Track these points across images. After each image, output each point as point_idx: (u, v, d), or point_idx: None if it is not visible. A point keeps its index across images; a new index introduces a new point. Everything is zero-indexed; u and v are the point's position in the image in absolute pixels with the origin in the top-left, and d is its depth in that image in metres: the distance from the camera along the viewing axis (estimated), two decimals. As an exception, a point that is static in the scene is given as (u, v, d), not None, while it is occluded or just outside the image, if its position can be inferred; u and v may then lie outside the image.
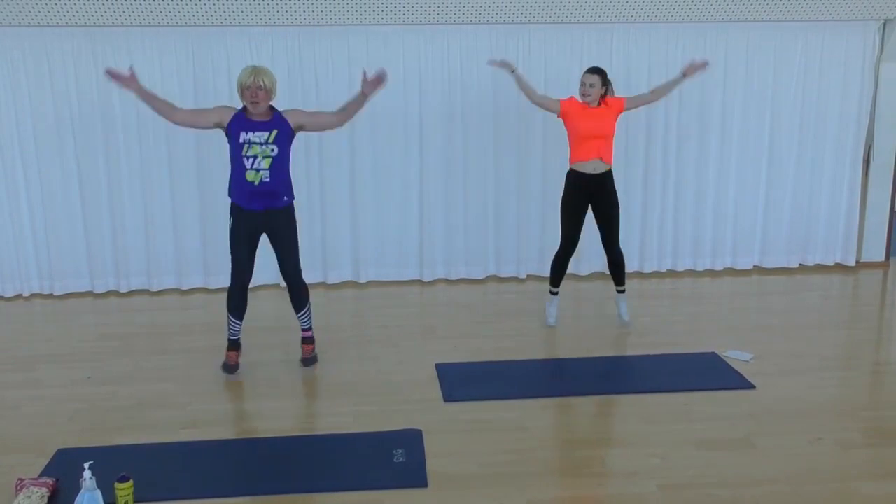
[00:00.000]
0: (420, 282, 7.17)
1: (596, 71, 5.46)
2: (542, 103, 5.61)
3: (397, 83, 6.78)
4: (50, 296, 6.89)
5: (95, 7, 6.15)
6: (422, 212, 7.06)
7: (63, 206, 6.76)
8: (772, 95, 7.11)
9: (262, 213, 4.80)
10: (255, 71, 4.60)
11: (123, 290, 6.93)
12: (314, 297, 6.71)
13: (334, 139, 6.80)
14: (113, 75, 4.73)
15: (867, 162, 7.35)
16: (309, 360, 5.18)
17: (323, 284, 7.09)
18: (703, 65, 5.68)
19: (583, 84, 5.44)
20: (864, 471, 3.83)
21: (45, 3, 6.09)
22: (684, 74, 5.69)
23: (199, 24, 6.34)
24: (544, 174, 6.92)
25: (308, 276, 6.88)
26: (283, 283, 6.65)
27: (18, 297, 6.87)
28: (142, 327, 6.09)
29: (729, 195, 7.29)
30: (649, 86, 6.92)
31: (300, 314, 5.15)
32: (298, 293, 5.08)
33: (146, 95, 4.76)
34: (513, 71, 5.64)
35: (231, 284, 4.97)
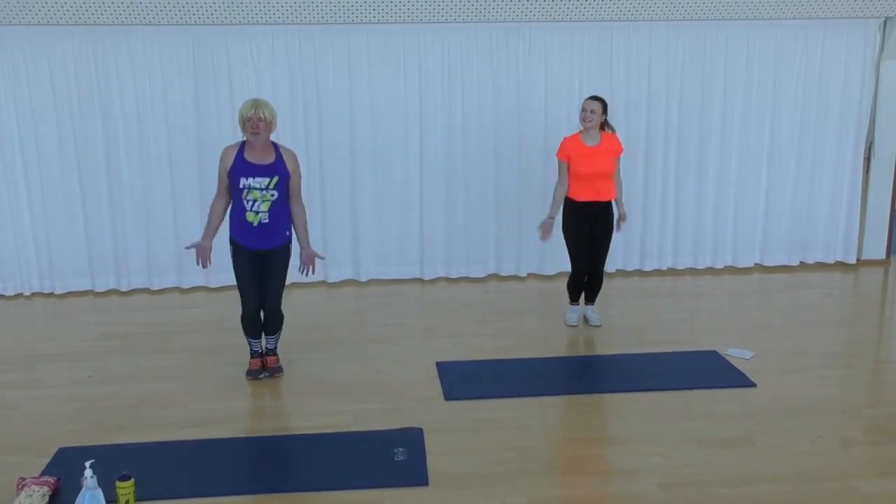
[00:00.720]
0: (421, 280, 7.17)
1: (597, 98, 5.52)
2: (566, 184, 5.57)
3: (398, 81, 6.79)
4: (51, 295, 6.89)
5: (96, 6, 6.15)
6: (422, 210, 7.06)
7: (64, 205, 6.76)
8: (772, 93, 7.10)
9: (263, 251, 4.83)
10: (256, 103, 4.64)
11: (124, 288, 6.94)
12: (315, 295, 6.78)
13: (335, 138, 6.81)
14: (204, 260, 4.85)
15: (868, 160, 7.35)
16: (275, 370, 5.15)
17: (324, 283, 7.09)
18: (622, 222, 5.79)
19: (584, 110, 5.47)
20: (864, 468, 3.83)
21: (46, 1, 6.09)
22: (618, 218, 5.76)
23: (199, 22, 6.34)
24: (545, 173, 6.90)
25: (309, 275, 6.93)
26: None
27: (19, 295, 6.87)
28: (142, 326, 6.10)
29: (729, 193, 7.29)
30: (648, 85, 6.96)
31: (271, 336, 5.15)
32: (274, 321, 5.08)
33: (212, 231, 4.87)
34: (553, 218, 5.65)
35: (242, 314, 4.99)
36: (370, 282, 7.13)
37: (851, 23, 6.96)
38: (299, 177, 4.82)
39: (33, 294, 6.90)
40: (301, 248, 4.88)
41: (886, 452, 3.99)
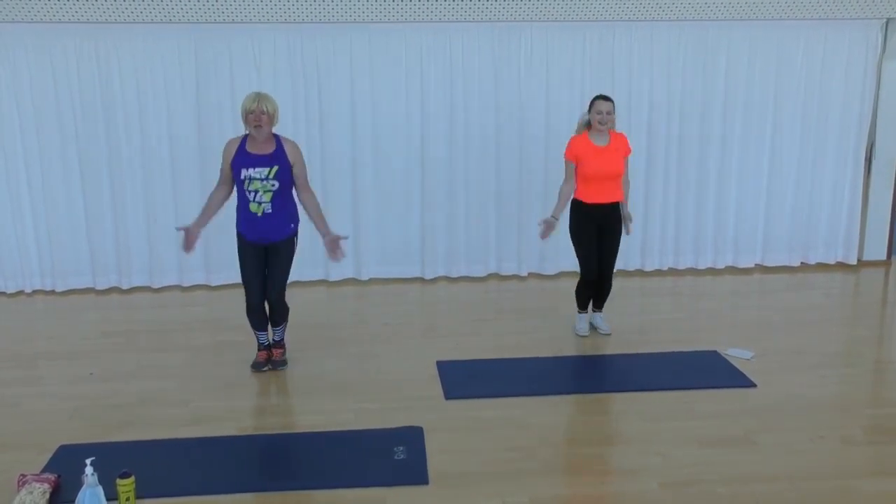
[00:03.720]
0: (421, 279, 7.17)
1: (608, 98, 5.35)
2: (572, 185, 5.42)
3: (399, 80, 6.79)
4: (52, 292, 6.89)
5: (98, 4, 6.16)
6: (423, 209, 7.06)
7: (65, 203, 6.77)
8: (774, 94, 7.10)
9: (266, 244, 4.86)
10: (259, 97, 4.67)
11: (125, 286, 6.94)
12: (316, 294, 6.78)
13: (335, 137, 6.81)
14: (188, 246, 4.84)
15: (869, 160, 7.35)
16: (279, 363, 5.19)
17: (324, 282, 7.09)
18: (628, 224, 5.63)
19: (599, 112, 5.28)
20: (865, 468, 3.84)
21: (48, 0, 6.10)
22: (623, 217, 5.59)
23: (201, 21, 6.34)
24: (546, 172, 6.91)
25: (309, 274, 6.96)
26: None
27: (20, 293, 6.88)
28: (143, 324, 6.10)
29: (730, 193, 7.29)
30: (650, 85, 6.96)
31: (277, 328, 5.19)
32: (279, 312, 5.10)
33: (205, 219, 4.90)
34: (557, 219, 5.44)
35: (247, 307, 5.03)
36: (371, 281, 7.13)
37: (853, 24, 6.96)
38: (303, 166, 4.84)
39: (34, 292, 6.91)
40: (322, 235, 4.89)
41: (886, 452, 3.99)
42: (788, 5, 6.69)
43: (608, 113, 5.29)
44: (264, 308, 5.03)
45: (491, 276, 7.25)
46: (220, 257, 6.75)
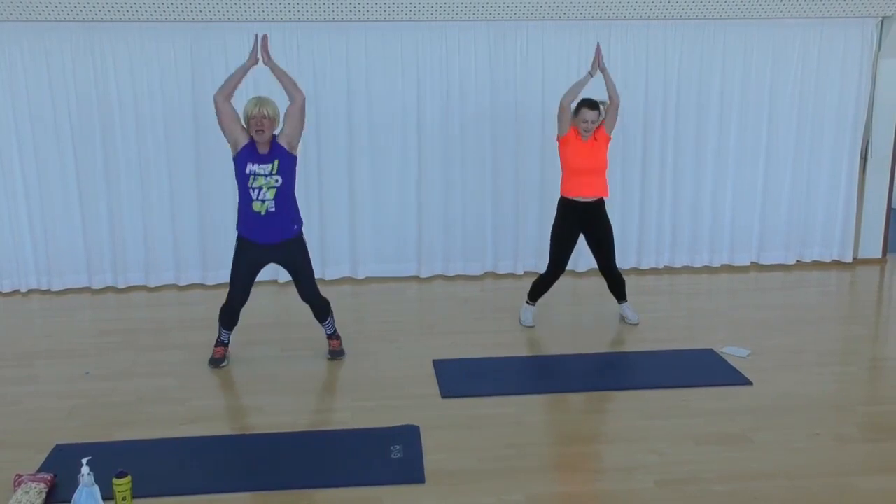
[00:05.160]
0: (418, 278, 7.17)
1: (595, 107, 5.40)
2: (566, 110, 5.45)
3: (395, 79, 6.79)
4: (48, 291, 6.88)
5: (93, 2, 6.14)
6: (420, 208, 7.06)
7: (61, 202, 6.75)
8: (769, 92, 7.11)
9: (275, 246, 4.87)
10: (260, 101, 4.70)
11: (121, 285, 6.93)
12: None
13: (332, 136, 6.81)
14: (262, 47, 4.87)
15: (864, 158, 7.36)
16: (337, 353, 5.26)
17: (321, 280, 7.03)
18: (597, 52, 5.58)
19: (584, 121, 5.37)
20: (861, 466, 3.85)
21: (43, -2, 6.11)
22: (590, 72, 5.58)
23: (197, 19, 6.34)
24: (542, 170, 6.92)
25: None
26: (282, 279, 6.73)
27: (16, 292, 6.86)
28: (140, 323, 6.09)
29: (726, 191, 7.30)
30: (646, 84, 6.95)
31: (324, 323, 5.25)
32: (321, 308, 5.17)
33: (273, 68, 4.90)
34: (603, 69, 5.50)
35: (225, 304, 5.06)
36: (367, 279, 7.13)
37: (849, 22, 6.97)
38: (284, 119, 4.83)
39: (30, 291, 6.89)
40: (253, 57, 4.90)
41: (882, 450, 4.00)
42: (784, 4, 6.69)
43: (593, 122, 5.38)
44: (239, 311, 5.06)
45: (487, 274, 7.25)
46: (217, 256, 6.74)
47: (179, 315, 6.31)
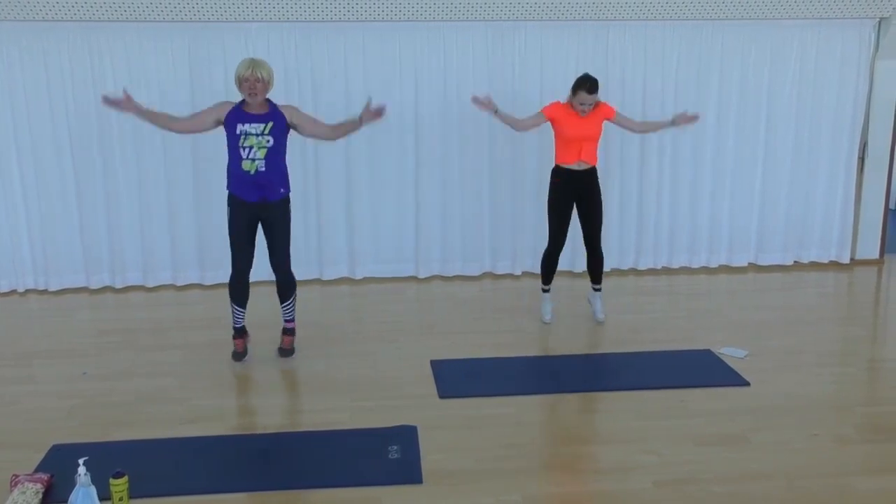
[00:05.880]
0: (416, 278, 7.17)
1: (594, 89, 5.42)
2: (528, 126, 5.68)
3: (393, 79, 6.79)
4: (45, 291, 6.87)
5: (91, 2, 6.14)
6: (417, 208, 7.06)
7: (58, 202, 6.74)
8: (767, 93, 7.11)
9: (258, 204, 4.89)
10: (253, 63, 4.72)
11: (119, 285, 6.92)
12: (310, 293, 6.76)
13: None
14: (110, 102, 4.83)
15: (862, 159, 7.37)
16: (287, 352, 5.24)
17: (318, 281, 7.08)
18: (694, 118, 5.77)
19: (582, 104, 5.44)
20: (859, 466, 3.85)
21: (41, -2, 6.10)
22: (673, 122, 5.78)
23: (195, 19, 6.33)
24: (539, 170, 6.89)
25: (303, 273, 6.94)
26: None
27: (13, 292, 6.85)
28: (138, 323, 6.08)
29: (724, 192, 7.30)
30: (644, 84, 6.95)
31: (284, 304, 5.23)
32: (285, 283, 5.17)
33: (146, 114, 4.91)
34: (496, 112, 5.63)
35: (232, 273, 5.07)
36: (365, 279, 7.13)
37: (846, 23, 6.97)
38: (303, 113, 4.96)
39: (27, 291, 6.88)
40: (360, 119, 4.92)
41: (881, 450, 4.00)
42: (782, 5, 6.70)
43: (590, 105, 5.45)
44: (248, 279, 5.07)
45: (485, 274, 7.25)
46: (215, 256, 6.73)
47: (177, 315, 6.30)
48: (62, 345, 5.63)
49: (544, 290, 5.96)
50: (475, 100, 5.59)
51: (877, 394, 4.83)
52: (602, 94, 5.52)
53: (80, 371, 5.10)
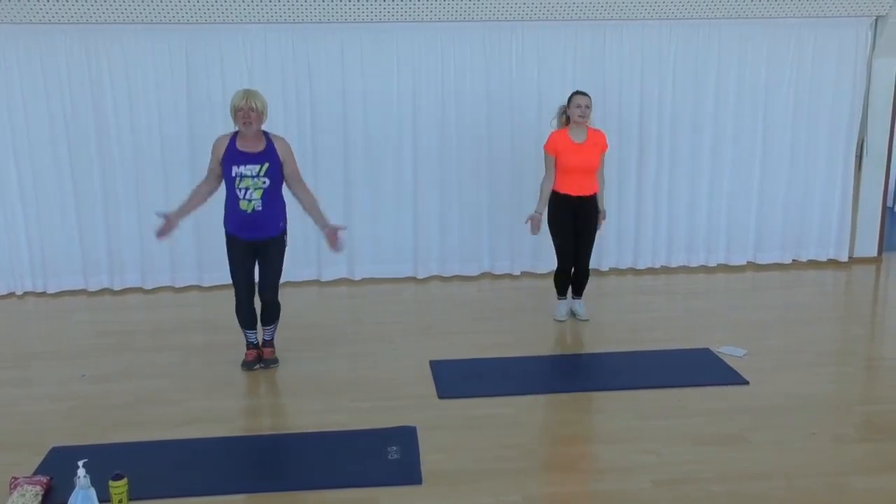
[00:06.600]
0: (414, 279, 7.17)
1: (585, 93, 5.61)
2: (552, 176, 5.66)
3: (391, 80, 6.79)
4: (43, 294, 6.86)
5: (88, 4, 6.13)
6: (416, 209, 7.05)
7: (56, 204, 6.73)
8: (765, 92, 7.12)
9: (257, 240, 4.88)
10: (248, 94, 4.70)
11: (117, 287, 6.92)
12: (308, 294, 6.77)
13: (327, 137, 6.80)
14: (164, 235, 4.93)
15: (860, 157, 7.37)
16: (270, 362, 5.21)
17: (317, 282, 7.08)
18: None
19: (578, 106, 5.54)
20: (858, 465, 3.85)
21: (38, 0, 6.08)
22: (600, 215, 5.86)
23: (192, 21, 6.33)
24: (537, 171, 6.86)
25: (302, 274, 6.95)
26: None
27: (11, 295, 6.84)
28: (136, 325, 6.08)
29: (722, 191, 7.30)
30: (641, 84, 6.96)
31: (267, 328, 5.21)
32: (271, 310, 5.15)
33: (187, 212, 4.97)
34: (541, 213, 5.73)
35: (236, 303, 5.06)
36: (364, 280, 7.13)
37: (843, 21, 6.98)
38: (295, 162, 4.88)
39: (25, 293, 6.87)
40: (321, 228, 4.92)
41: (879, 449, 4.00)
42: (779, 4, 6.71)
43: (587, 107, 5.56)
44: (253, 306, 5.06)
45: (484, 275, 7.25)
46: (213, 258, 6.71)
47: (176, 317, 6.30)
48: (61, 347, 5.63)
49: (559, 298, 6.03)
50: (530, 223, 5.72)
51: (875, 392, 4.83)
52: (600, 94, 5.56)
53: (78, 373, 5.10)
